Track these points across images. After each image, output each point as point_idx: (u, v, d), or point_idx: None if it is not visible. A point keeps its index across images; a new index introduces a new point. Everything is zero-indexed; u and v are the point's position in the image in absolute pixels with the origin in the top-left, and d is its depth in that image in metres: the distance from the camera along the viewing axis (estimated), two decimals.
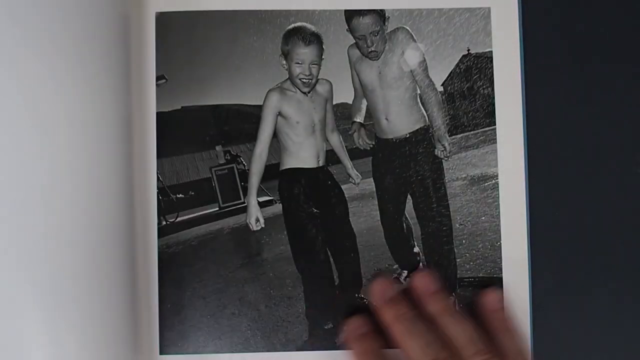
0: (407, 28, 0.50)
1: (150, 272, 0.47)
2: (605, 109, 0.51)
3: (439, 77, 0.51)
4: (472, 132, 0.51)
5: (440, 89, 0.51)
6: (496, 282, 0.49)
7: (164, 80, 0.49)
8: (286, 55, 0.50)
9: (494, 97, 0.50)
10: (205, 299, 0.48)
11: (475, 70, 0.50)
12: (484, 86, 0.50)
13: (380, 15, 0.50)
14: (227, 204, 0.53)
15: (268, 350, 0.48)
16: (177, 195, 0.51)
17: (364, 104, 0.52)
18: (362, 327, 0.47)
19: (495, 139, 0.49)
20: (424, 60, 0.50)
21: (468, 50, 0.50)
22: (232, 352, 0.48)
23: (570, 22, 0.51)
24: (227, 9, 0.49)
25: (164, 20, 0.49)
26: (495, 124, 0.50)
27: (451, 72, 0.51)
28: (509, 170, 0.49)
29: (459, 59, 0.51)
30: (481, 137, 0.50)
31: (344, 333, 0.48)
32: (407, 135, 0.52)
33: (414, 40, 0.50)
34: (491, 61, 0.50)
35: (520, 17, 0.50)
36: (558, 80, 0.51)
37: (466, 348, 0.43)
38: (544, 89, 0.50)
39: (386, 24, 0.50)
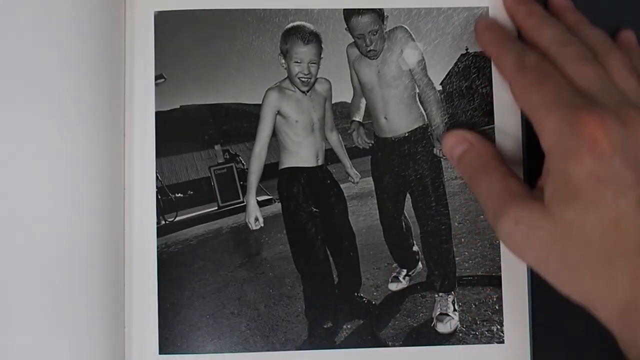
0: (406, 27, 0.50)
1: (149, 271, 0.47)
2: None
3: (437, 76, 0.51)
4: None
5: (439, 88, 0.51)
6: (495, 281, 0.48)
7: (162, 80, 0.49)
8: (285, 54, 0.50)
9: (492, 96, 0.50)
10: (205, 299, 0.48)
11: (473, 69, 0.50)
12: (482, 85, 0.50)
13: (379, 14, 0.50)
14: (226, 203, 0.53)
15: (267, 350, 0.48)
16: (176, 195, 0.51)
17: (363, 102, 0.52)
18: None
19: (494, 137, 0.49)
20: (423, 59, 0.50)
21: (466, 49, 0.50)
22: (232, 351, 0.48)
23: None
24: (226, 8, 0.49)
25: (162, 19, 0.49)
26: (493, 123, 0.49)
27: (450, 71, 0.51)
28: None
29: (458, 58, 0.51)
30: None
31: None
32: (406, 134, 0.52)
33: (413, 40, 0.50)
34: (489, 60, 0.50)
35: None
36: None
37: (604, 45, 0.41)
38: None
39: (385, 23, 0.50)
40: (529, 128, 0.48)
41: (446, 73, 0.51)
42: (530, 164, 0.49)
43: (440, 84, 0.51)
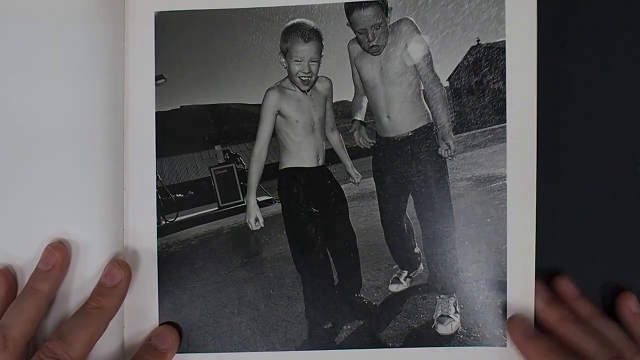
0: (411, 19, 0.48)
1: (150, 271, 0.48)
2: (630, 104, 0.48)
3: (444, 71, 0.49)
4: (479, 130, 0.49)
5: (446, 84, 0.49)
6: (500, 285, 0.47)
7: (163, 80, 0.49)
8: (285, 53, 0.49)
9: (505, 92, 0.47)
10: (205, 298, 0.49)
11: (485, 63, 0.48)
12: (495, 80, 0.48)
13: (382, 6, 0.48)
14: (226, 204, 0.54)
15: (267, 350, 0.49)
16: (177, 195, 0.51)
17: (365, 101, 0.51)
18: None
19: (505, 137, 0.47)
20: (429, 53, 0.48)
21: (478, 40, 0.48)
22: (232, 351, 0.48)
23: (592, 10, 0.48)
24: (226, 7, 0.48)
25: (163, 19, 0.49)
26: (505, 122, 0.47)
27: (458, 66, 0.49)
28: (518, 171, 0.47)
29: (467, 50, 0.48)
30: (489, 136, 0.48)
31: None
32: (410, 134, 0.51)
33: (419, 32, 0.48)
34: (503, 52, 0.47)
35: (537, 2, 0.46)
36: (577, 72, 0.48)
37: (626, 349, 0.43)
38: (561, 83, 0.47)
39: (388, 15, 0.48)
40: (544, 127, 0.46)
41: (454, 68, 0.49)
42: (545, 165, 0.46)
43: (448, 79, 0.49)
